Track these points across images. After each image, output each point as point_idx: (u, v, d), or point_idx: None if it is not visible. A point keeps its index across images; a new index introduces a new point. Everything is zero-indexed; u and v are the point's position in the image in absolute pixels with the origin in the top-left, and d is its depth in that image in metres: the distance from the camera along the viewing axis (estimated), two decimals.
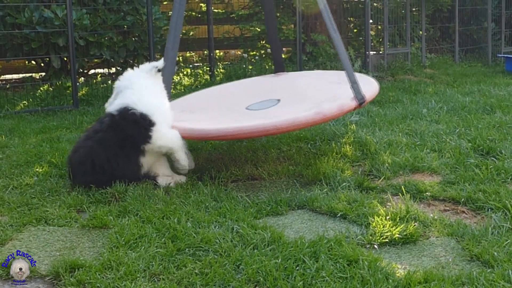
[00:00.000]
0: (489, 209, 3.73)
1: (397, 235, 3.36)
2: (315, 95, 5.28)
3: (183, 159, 4.48)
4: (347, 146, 5.17)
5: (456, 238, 3.36)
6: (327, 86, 5.61)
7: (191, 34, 11.33)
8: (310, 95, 5.34)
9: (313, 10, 10.54)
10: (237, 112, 5.19)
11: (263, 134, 4.57)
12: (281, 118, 4.44)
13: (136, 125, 4.29)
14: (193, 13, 11.38)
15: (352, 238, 3.36)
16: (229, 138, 4.80)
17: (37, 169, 4.79)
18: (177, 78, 9.91)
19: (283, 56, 11.21)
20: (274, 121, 4.40)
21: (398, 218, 3.57)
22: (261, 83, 6.32)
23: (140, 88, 4.44)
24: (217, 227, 3.54)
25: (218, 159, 5.01)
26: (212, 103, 5.65)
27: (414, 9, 11.82)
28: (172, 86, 9.26)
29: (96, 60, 9.50)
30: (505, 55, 11.08)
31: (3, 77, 10.03)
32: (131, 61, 9.72)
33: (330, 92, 5.22)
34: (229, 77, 9.72)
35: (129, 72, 4.61)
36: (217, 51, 11.39)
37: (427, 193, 4.05)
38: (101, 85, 8.75)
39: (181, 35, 11.37)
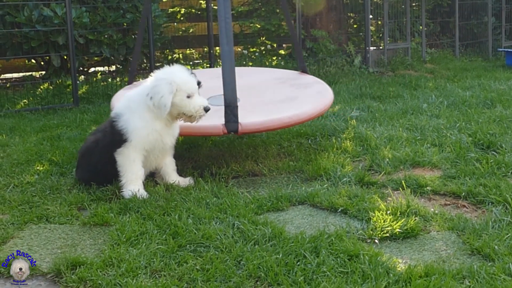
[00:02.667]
0: (490, 203, 3.73)
1: (398, 230, 3.36)
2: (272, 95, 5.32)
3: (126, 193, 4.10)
4: (348, 141, 5.17)
5: (457, 232, 3.36)
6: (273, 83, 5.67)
7: (191, 31, 11.33)
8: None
9: (313, 6, 10.54)
10: None
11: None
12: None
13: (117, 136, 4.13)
14: (193, 10, 11.37)
15: (353, 233, 3.36)
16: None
17: (38, 167, 4.80)
18: None
19: (282, 52, 11.22)
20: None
21: (399, 213, 3.57)
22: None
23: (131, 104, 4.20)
24: (218, 223, 3.54)
25: (218, 155, 5.01)
26: None
27: (414, 4, 11.81)
28: None
29: (96, 58, 9.49)
30: (506, 49, 11.06)
31: (3, 76, 10.04)
32: (131, 59, 9.71)
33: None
34: None
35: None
36: (217, 48, 11.37)
37: (427, 188, 4.05)
38: (101, 83, 8.75)
39: (180, 32, 11.42)
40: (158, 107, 4.03)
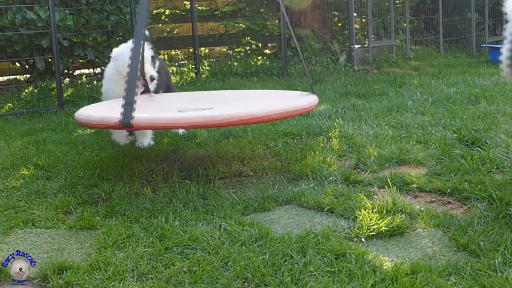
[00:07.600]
0: (475, 199, 3.75)
1: (384, 228, 3.38)
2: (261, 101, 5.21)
3: None
4: (333, 140, 5.19)
5: (443, 229, 3.38)
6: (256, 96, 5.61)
7: (175, 32, 11.30)
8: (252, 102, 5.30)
9: (297, 5, 10.55)
10: (173, 113, 4.93)
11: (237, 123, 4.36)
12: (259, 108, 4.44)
13: None
14: (177, 11, 11.34)
15: (339, 232, 3.37)
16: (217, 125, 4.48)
17: (23, 172, 4.77)
18: None
19: (267, 51, 11.22)
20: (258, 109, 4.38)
21: (385, 211, 3.59)
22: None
23: None
24: (204, 224, 3.54)
25: (204, 157, 5.01)
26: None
27: (398, 1, 11.86)
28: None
29: (80, 61, 9.45)
30: (489, 45, 11.14)
31: None
32: None
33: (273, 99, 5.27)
34: (214, 74, 9.72)
35: None
36: (202, 48, 11.37)
37: (413, 185, 4.07)
38: (86, 86, 8.71)
39: (165, 33, 11.38)
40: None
